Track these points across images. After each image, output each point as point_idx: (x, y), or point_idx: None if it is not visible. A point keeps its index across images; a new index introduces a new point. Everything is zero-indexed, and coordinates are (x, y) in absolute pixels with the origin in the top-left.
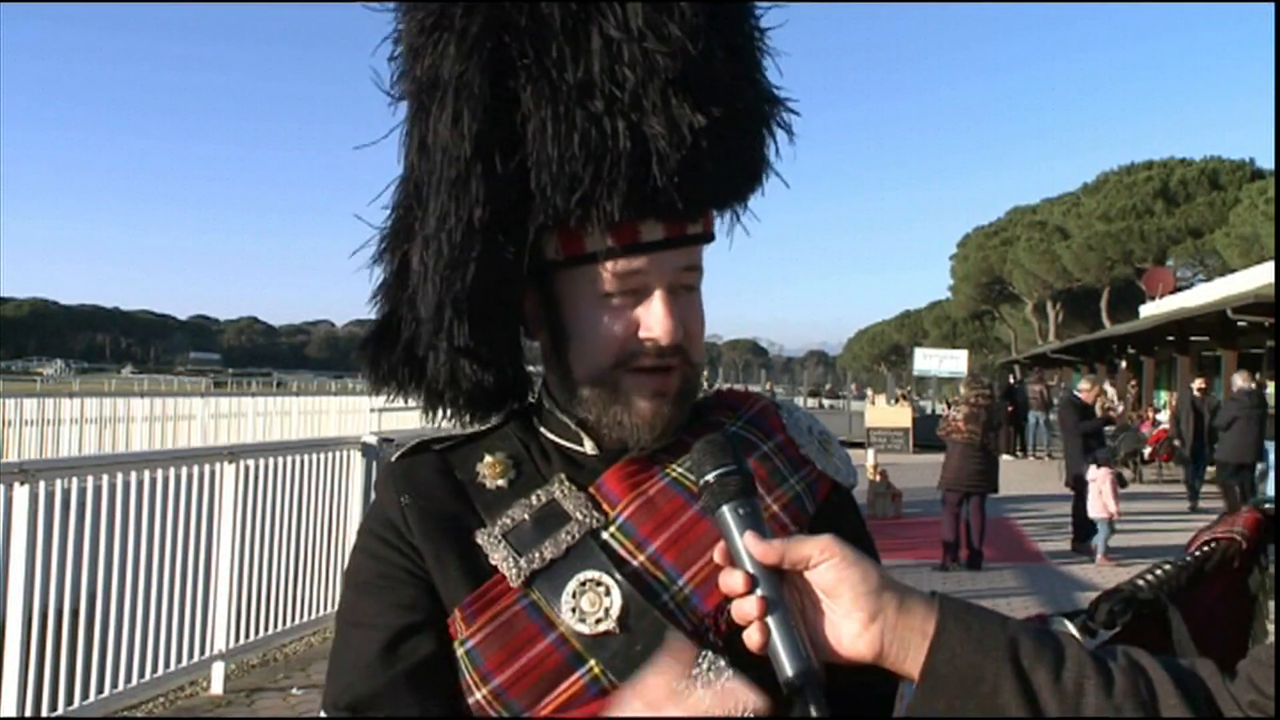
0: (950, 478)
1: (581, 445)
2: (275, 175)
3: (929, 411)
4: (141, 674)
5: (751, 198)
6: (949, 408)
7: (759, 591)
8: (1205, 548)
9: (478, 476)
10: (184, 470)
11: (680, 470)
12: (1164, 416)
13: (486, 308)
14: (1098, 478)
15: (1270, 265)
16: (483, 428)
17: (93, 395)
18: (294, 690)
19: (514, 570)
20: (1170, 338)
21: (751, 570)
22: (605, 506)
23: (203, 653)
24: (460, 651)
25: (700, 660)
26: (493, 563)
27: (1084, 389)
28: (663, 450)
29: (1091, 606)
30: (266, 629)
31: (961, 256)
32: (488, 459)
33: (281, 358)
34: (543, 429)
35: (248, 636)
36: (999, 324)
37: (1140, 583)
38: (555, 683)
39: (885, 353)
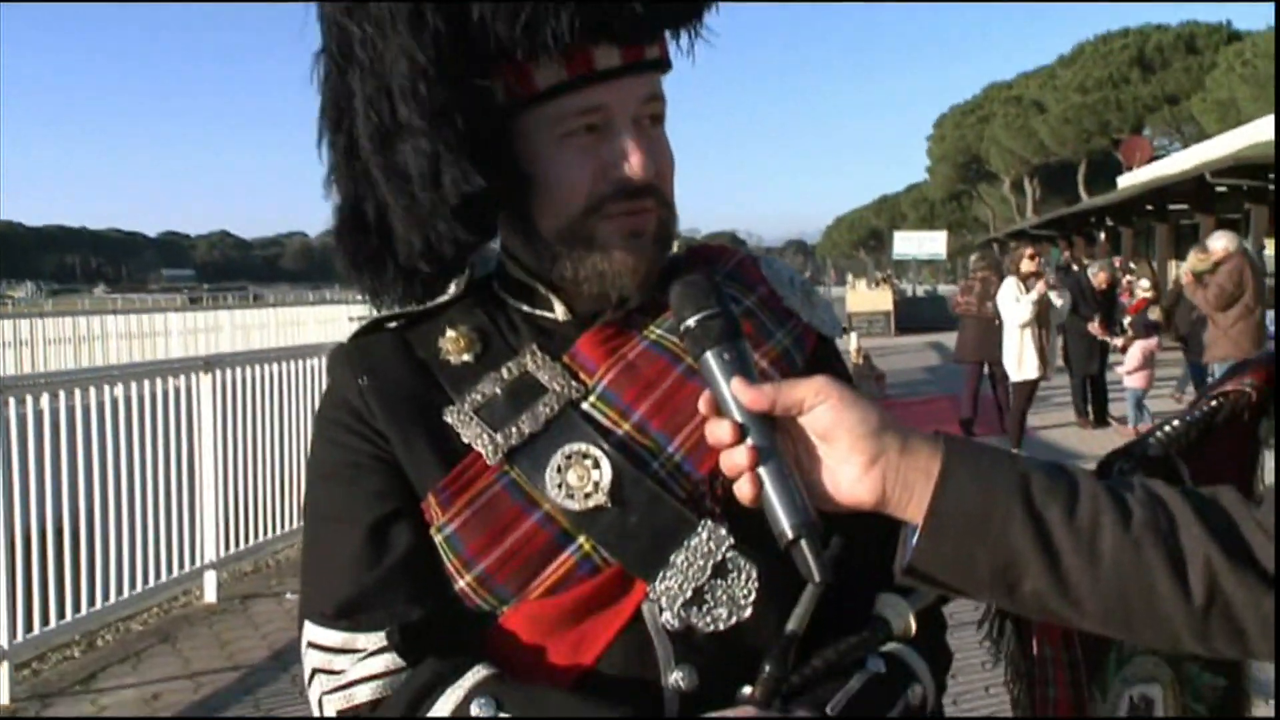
0: (961, 351)
1: (552, 311)
2: (240, 84)
3: (910, 294)
4: (133, 586)
5: (706, 15)
6: None
7: (749, 441)
8: (1214, 402)
9: (441, 353)
10: (159, 383)
11: (660, 331)
12: (1145, 284)
13: (478, 153)
14: (1144, 346)
15: (1247, 128)
16: (440, 301)
17: (66, 315)
18: (288, 595)
19: (490, 447)
20: (1149, 207)
21: (740, 419)
22: (583, 375)
23: (193, 563)
24: (439, 538)
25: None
26: (465, 441)
27: (1094, 274)
28: (638, 312)
29: (1100, 466)
30: (256, 537)
31: (938, 137)
32: (450, 333)
33: (256, 271)
34: (507, 298)
35: (238, 545)
36: (977, 203)
37: (1150, 440)
38: (544, 563)
39: (864, 239)
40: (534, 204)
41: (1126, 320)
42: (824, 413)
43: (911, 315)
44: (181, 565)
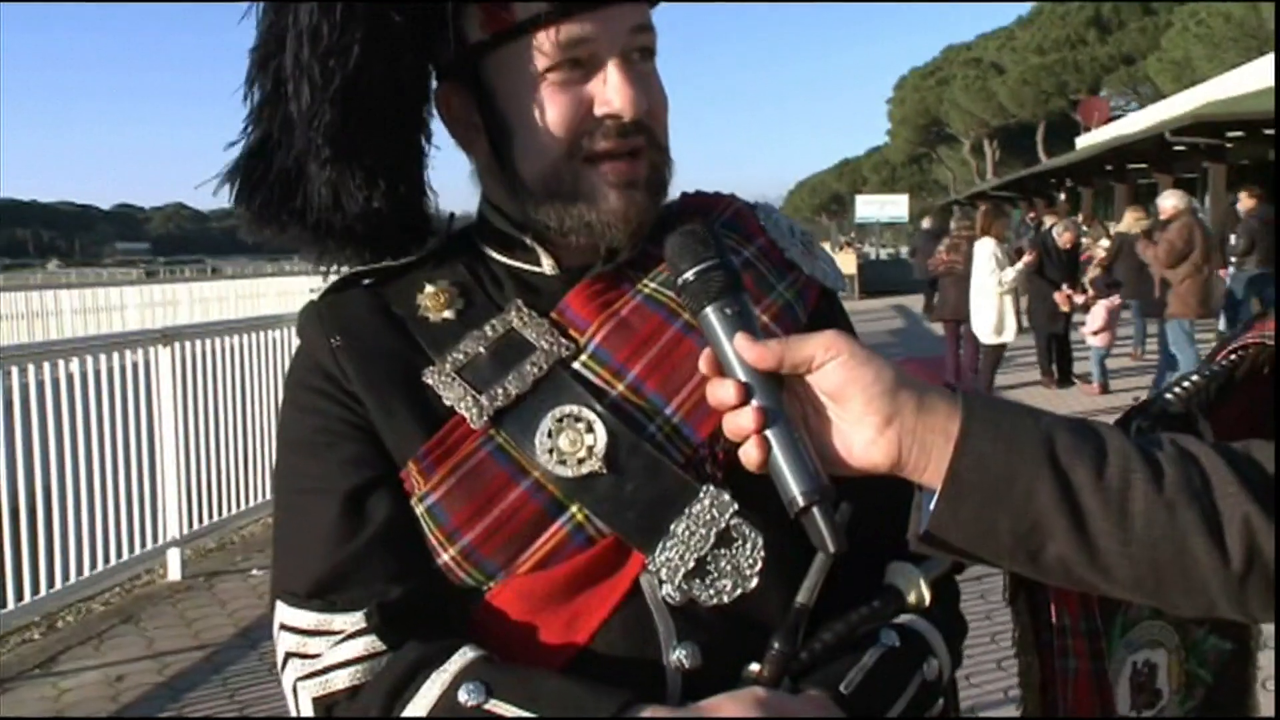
0: (941, 310)
1: (538, 265)
2: (194, 54)
3: (873, 258)
4: (94, 566)
5: None
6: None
7: (755, 401)
8: (1234, 356)
9: (419, 309)
10: (116, 357)
11: (654, 285)
12: (1105, 244)
13: (373, 105)
14: (1108, 304)
15: (1202, 87)
16: (416, 256)
17: (19, 289)
18: (254, 571)
19: (474, 410)
20: (1108, 167)
21: (744, 378)
22: (573, 333)
23: (155, 541)
24: (420, 509)
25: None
26: (448, 403)
27: (1059, 233)
28: (630, 265)
29: (1118, 424)
30: (220, 513)
31: (898, 100)
32: (429, 289)
33: (214, 243)
34: (490, 250)
35: (201, 521)
36: (937, 166)
37: (1169, 396)
38: (534, 535)
39: (826, 203)
40: (515, 147)
41: (1087, 279)
42: (835, 370)
43: (876, 278)
44: (143, 543)
